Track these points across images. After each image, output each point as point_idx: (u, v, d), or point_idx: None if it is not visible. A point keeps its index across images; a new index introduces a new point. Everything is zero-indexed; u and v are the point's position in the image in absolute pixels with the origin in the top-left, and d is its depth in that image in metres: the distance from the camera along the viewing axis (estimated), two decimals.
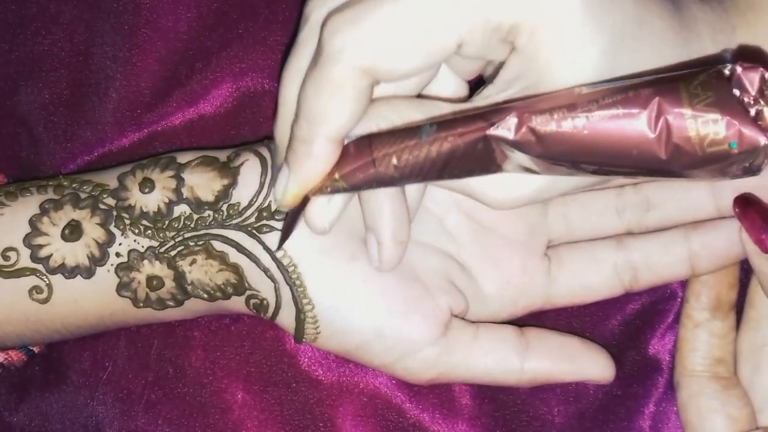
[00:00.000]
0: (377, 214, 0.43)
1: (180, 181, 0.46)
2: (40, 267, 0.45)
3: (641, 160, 0.36)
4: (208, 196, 0.46)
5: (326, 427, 0.51)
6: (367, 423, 0.51)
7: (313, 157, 0.39)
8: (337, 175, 0.40)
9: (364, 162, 0.39)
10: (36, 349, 0.51)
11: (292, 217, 0.42)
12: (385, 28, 0.36)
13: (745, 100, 0.34)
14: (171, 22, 0.51)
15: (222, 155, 0.47)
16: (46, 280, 0.46)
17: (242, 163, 0.46)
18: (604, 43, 0.37)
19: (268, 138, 0.48)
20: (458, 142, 0.37)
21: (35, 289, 0.46)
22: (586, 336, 0.52)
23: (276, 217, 0.45)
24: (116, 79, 0.51)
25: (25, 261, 0.45)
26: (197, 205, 0.46)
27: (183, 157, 0.47)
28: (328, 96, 0.38)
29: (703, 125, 0.34)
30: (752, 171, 0.35)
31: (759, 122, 0.34)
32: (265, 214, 0.45)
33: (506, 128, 0.37)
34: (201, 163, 0.46)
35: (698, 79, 0.35)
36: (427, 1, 0.36)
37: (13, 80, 0.52)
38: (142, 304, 0.46)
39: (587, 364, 0.49)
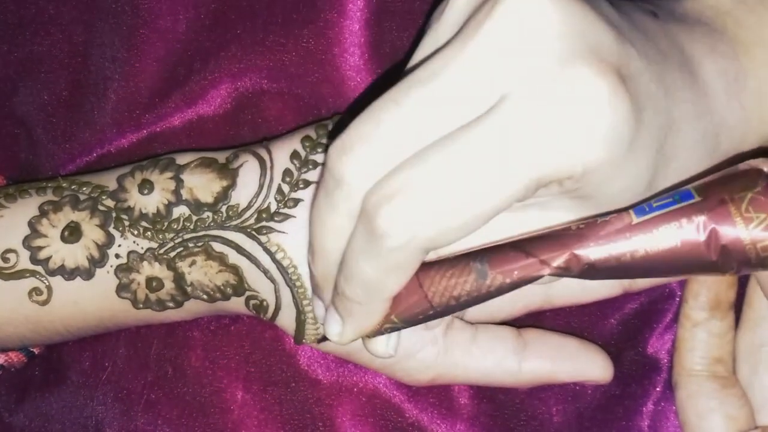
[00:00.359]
0: None
1: (179, 182, 0.46)
2: (39, 269, 0.45)
3: (701, 273, 0.38)
4: (207, 197, 0.46)
5: (325, 426, 0.51)
6: (366, 423, 0.51)
7: (368, 314, 0.40)
8: (393, 317, 0.40)
9: (417, 299, 0.40)
10: (36, 350, 0.52)
11: None
12: (442, 210, 0.35)
13: None
14: (170, 23, 0.51)
15: (221, 156, 0.47)
16: (45, 281, 0.46)
17: (241, 165, 0.46)
18: (645, 163, 0.37)
19: (267, 139, 0.48)
20: (515, 280, 0.38)
21: (35, 291, 0.46)
22: (584, 336, 0.52)
23: (276, 219, 0.45)
24: (115, 79, 0.51)
25: (24, 263, 0.45)
26: (196, 206, 0.46)
27: (182, 159, 0.47)
28: (386, 272, 0.37)
29: (758, 235, 0.36)
30: None
31: None
32: (264, 215, 0.45)
33: (562, 268, 0.38)
34: (200, 165, 0.46)
35: (747, 198, 0.36)
36: (476, 173, 0.34)
37: (12, 81, 0.52)
38: (141, 306, 0.46)
39: (586, 364, 0.49)
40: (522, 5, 0.34)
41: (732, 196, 0.37)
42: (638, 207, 0.38)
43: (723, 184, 0.37)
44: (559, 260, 0.38)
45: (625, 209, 0.38)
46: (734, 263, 0.37)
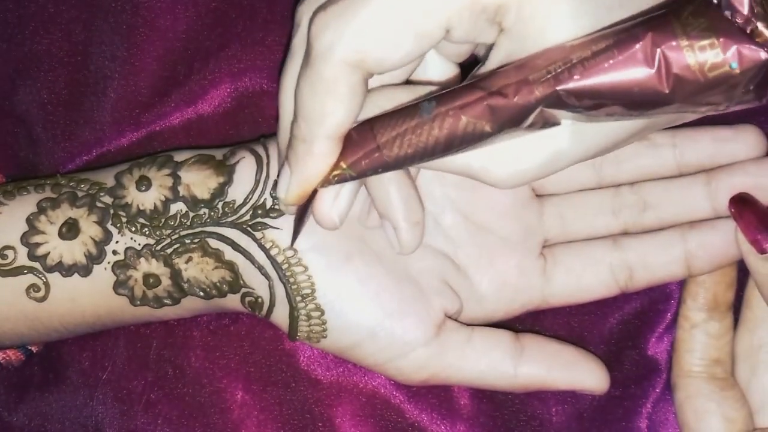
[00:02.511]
0: (387, 200, 0.43)
1: (176, 179, 0.46)
2: (37, 265, 0.46)
3: (645, 97, 0.35)
4: (204, 193, 0.46)
5: (325, 426, 0.51)
6: (366, 423, 0.51)
7: (314, 156, 0.39)
8: (343, 164, 0.39)
9: (369, 148, 0.39)
10: (34, 349, 0.52)
11: (300, 213, 0.42)
12: (371, 19, 0.36)
13: (738, 21, 0.34)
14: (169, 22, 0.51)
15: (218, 153, 0.47)
16: (43, 278, 0.46)
17: (238, 161, 0.46)
18: (591, 12, 0.36)
19: (265, 136, 0.48)
20: (460, 115, 0.37)
21: (33, 288, 0.46)
22: (584, 336, 0.52)
23: (271, 215, 0.45)
24: (114, 78, 0.51)
25: (22, 259, 0.46)
26: (193, 203, 0.46)
27: (180, 156, 0.47)
28: (322, 94, 0.37)
29: (701, 52, 0.34)
30: (758, 95, 0.35)
31: (756, 39, 0.34)
32: (260, 211, 0.45)
33: (506, 96, 0.36)
34: (197, 162, 0.46)
35: (688, 10, 0.35)
36: None
37: (11, 80, 0.52)
38: (139, 302, 0.46)
39: (582, 373, 0.48)
40: None
41: (675, 8, 0.35)
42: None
43: (668, 5, 0.36)
44: (504, 89, 0.36)
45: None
46: (674, 73, 0.34)
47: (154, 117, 0.51)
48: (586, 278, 0.48)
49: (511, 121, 0.37)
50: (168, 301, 0.47)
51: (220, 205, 0.46)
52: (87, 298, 0.46)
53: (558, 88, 0.36)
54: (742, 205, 0.45)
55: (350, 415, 0.51)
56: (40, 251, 0.46)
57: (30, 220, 0.46)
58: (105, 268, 0.46)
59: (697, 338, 0.48)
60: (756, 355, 0.48)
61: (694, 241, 0.47)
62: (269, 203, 0.46)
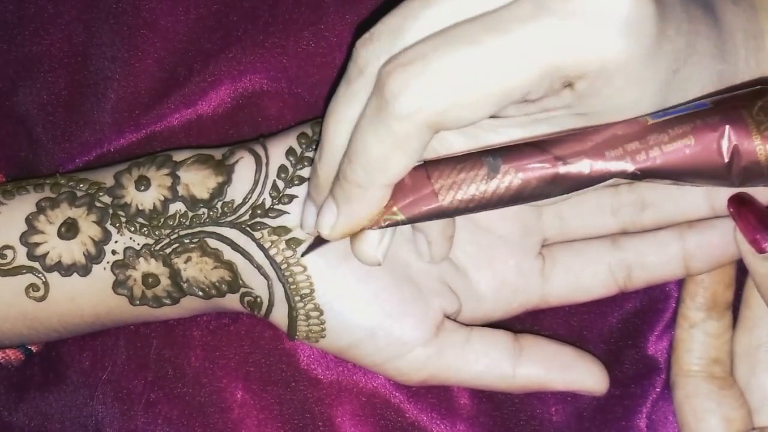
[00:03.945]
0: None
1: (175, 178, 0.46)
2: (36, 265, 0.46)
3: (709, 180, 0.38)
4: (203, 193, 0.46)
5: (325, 426, 0.51)
6: (366, 422, 0.51)
7: (367, 202, 0.38)
8: (396, 210, 0.39)
9: (424, 194, 0.38)
10: (34, 349, 0.52)
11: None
12: (455, 84, 0.35)
13: None
14: (170, 24, 0.51)
15: (217, 153, 0.47)
16: (42, 278, 0.46)
17: (237, 161, 0.46)
18: (661, 79, 0.37)
19: (264, 136, 0.48)
20: (529, 178, 0.37)
21: (32, 287, 0.46)
22: (584, 335, 0.52)
23: (270, 215, 0.45)
24: (115, 79, 0.51)
25: (21, 259, 0.46)
26: (192, 202, 0.46)
27: (179, 156, 0.47)
28: (390, 148, 0.36)
29: None
30: None
31: None
32: (258, 211, 0.45)
33: (579, 167, 0.37)
34: (196, 161, 0.47)
35: (757, 105, 0.37)
36: (494, 51, 0.34)
37: (12, 80, 0.52)
38: (138, 302, 0.46)
39: (581, 374, 0.48)
40: None
41: (744, 102, 0.37)
42: (654, 114, 0.38)
43: (735, 96, 0.38)
44: (576, 158, 0.37)
45: (641, 117, 0.38)
46: (742, 166, 0.37)
47: (154, 118, 0.51)
48: (585, 278, 0.49)
49: (581, 187, 0.38)
50: (167, 301, 0.47)
51: (219, 205, 0.46)
52: (86, 298, 0.46)
53: (636, 167, 0.37)
54: (740, 204, 0.45)
55: (350, 415, 0.51)
56: (40, 251, 0.46)
57: (29, 220, 0.46)
58: (104, 268, 0.46)
59: (696, 337, 0.48)
60: (755, 355, 0.48)
61: (693, 241, 0.47)
62: (268, 203, 0.46)
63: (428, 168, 0.39)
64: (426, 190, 0.38)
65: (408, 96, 0.35)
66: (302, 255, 0.45)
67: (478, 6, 0.35)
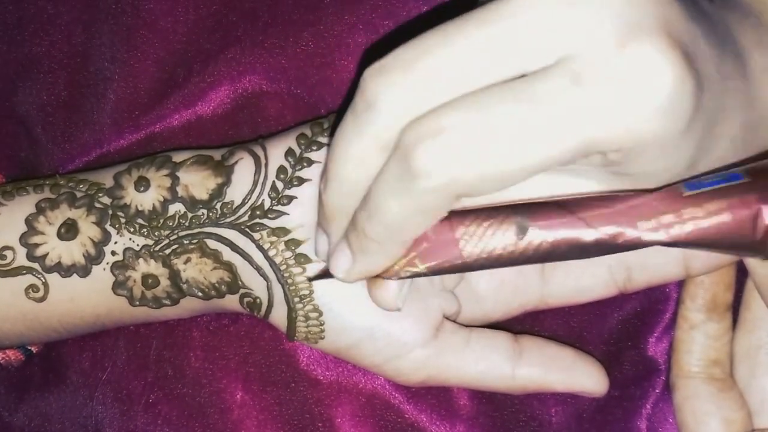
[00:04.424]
0: None
1: (175, 179, 0.46)
2: (36, 266, 0.46)
3: (739, 252, 0.39)
4: (202, 194, 0.46)
5: (325, 426, 0.51)
6: (365, 423, 0.51)
7: (385, 255, 0.38)
8: (417, 262, 0.38)
9: (447, 247, 0.37)
10: (34, 349, 0.52)
11: None
12: (486, 157, 0.33)
13: None
14: (169, 24, 0.51)
15: (217, 154, 0.47)
16: (42, 278, 0.46)
17: (236, 162, 0.46)
18: (695, 146, 0.36)
19: (263, 137, 0.48)
20: (559, 242, 0.37)
21: (32, 288, 0.46)
22: (584, 335, 0.52)
23: (269, 216, 0.45)
24: (114, 80, 0.51)
25: (21, 260, 0.46)
26: (192, 203, 0.46)
27: (178, 156, 0.47)
28: (413, 213, 0.35)
29: None
30: None
31: None
32: (258, 212, 0.45)
33: (611, 236, 0.37)
34: (196, 162, 0.47)
35: None
36: (529, 125, 0.33)
37: (11, 81, 0.52)
38: (138, 303, 0.47)
39: (580, 375, 0.48)
40: None
41: None
42: (689, 183, 0.37)
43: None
44: (607, 226, 0.37)
45: (674, 184, 0.37)
46: None
47: (154, 119, 0.51)
48: (584, 279, 0.48)
49: (609, 253, 0.37)
50: (167, 302, 0.47)
51: (218, 206, 0.46)
52: (86, 299, 0.46)
53: (670, 240, 0.37)
54: None
55: (350, 416, 0.51)
56: (39, 252, 0.46)
57: (29, 221, 0.46)
58: (104, 269, 0.46)
59: (696, 339, 0.48)
60: (755, 356, 0.48)
61: None
62: (267, 204, 0.46)
63: (452, 219, 0.37)
64: (450, 243, 0.37)
65: (437, 172, 0.33)
66: (311, 280, 0.45)
67: (502, 53, 0.34)
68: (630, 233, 0.37)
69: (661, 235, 0.37)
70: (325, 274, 0.41)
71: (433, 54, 0.34)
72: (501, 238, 0.37)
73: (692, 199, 0.37)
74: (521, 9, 0.33)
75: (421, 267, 0.38)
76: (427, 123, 0.34)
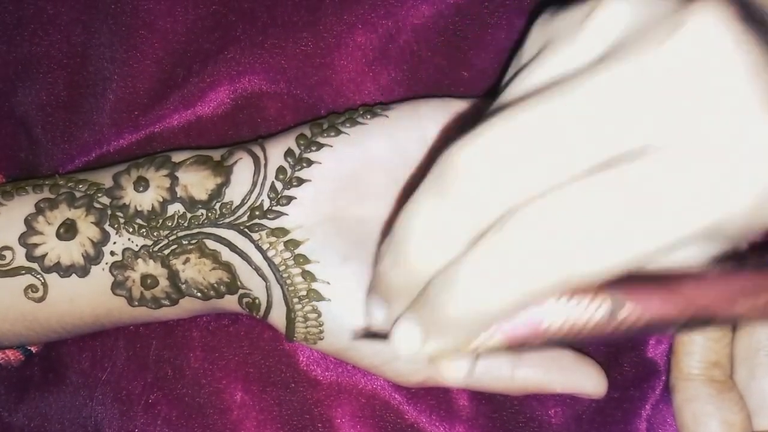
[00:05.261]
0: None
1: (174, 179, 0.46)
2: (35, 266, 0.46)
3: None
4: (201, 194, 0.46)
5: (325, 427, 0.51)
6: (365, 423, 0.51)
7: (464, 336, 0.34)
8: (497, 336, 0.34)
9: (532, 322, 0.33)
10: (34, 349, 0.52)
11: None
12: (596, 254, 0.31)
13: None
14: (168, 24, 0.51)
15: (216, 154, 0.47)
16: (41, 279, 0.46)
17: (236, 162, 0.46)
18: None
19: (263, 137, 0.48)
20: (655, 320, 0.34)
21: (31, 288, 0.46)
22: None
23: (268, 216, 0.46)
24: (113, 80, 0.51)
25: (20, 260, 0.46)
26: (191, 203, 0.46)
27: (177, 156, 0.47)
28: (513, 306, 0.32)
29: None
30: None
31: None
32: (257, 213, 0.46)
33: (709, 315, 0.34)
34: (195, 162, 0.47)
35: None
36: (649, 209, 0.31)
37: (11, 81, 0.52)
38: (137, 303, 0.47)
39: (579, 377, 0.48)
40: (707, 29, 0.31)
41: None
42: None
43: None
44: (709, 308, 0.34)
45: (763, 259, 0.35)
46: None
47: (153, 119, 0.51)
48: None
49: (702, 326, 0.36)
50: (166, 302, 0.47)
51: (217, 206, 0.46)
52: (85, 299, 0.46)
53: (759, 317, 0.35)
54: None
55: (350, 416, 0.51)
56: (38, 252, 0.46)
57: (28, 221, 0.46)
58: (103, 269, 0.46)
59: (696, 341, 0.48)
60: (754, 358, 0.48)
61: None
62: (266, 204, 0.46)
63: None
64: (535, 317, 0.33)
65: (549, 269, 0.31)
66: (357, 338, 0.45)
67: (607, 133, 0.31)
68: (727, 313, 0.34)
69: (753, 313, 0.34)
70: (373, 334, 0.40)
71: (531, 138, 0.31)
72: (592, 313, 0.34)
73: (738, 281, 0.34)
74: (618, 91, 0.31)
75: (501, 343, 0.34)
76: (533, 212, 0.31)
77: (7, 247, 0.46)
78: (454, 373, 0.38)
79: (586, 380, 0.48)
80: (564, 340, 0.34)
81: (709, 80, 0.31)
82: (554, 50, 0.34)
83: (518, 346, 0.34)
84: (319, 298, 0.45)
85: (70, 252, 0.46)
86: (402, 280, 0.35)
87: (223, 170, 0.46)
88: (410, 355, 0.35)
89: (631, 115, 0.31)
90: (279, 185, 0.46)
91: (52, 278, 0.46)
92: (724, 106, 0.31)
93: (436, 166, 0.33)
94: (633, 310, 0.33)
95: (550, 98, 0.32)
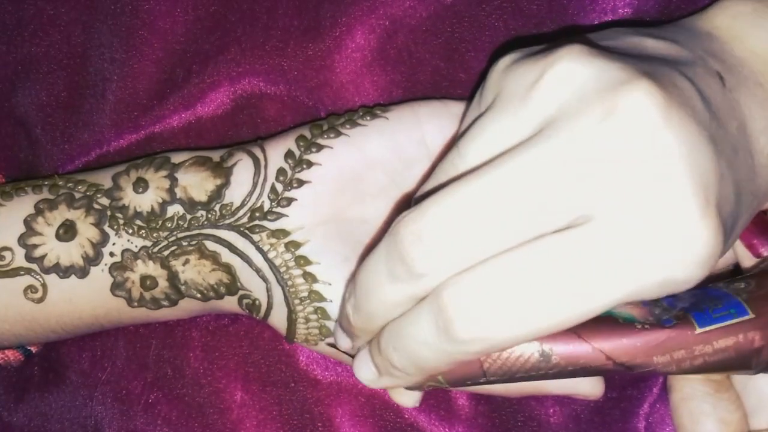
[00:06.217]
0: None
1: (173, 181, 0.46)
2: (34, 267, 0.46)
3: (734, 372, 0.43)
4: (201, 196, 0.46)
5: (324, 426, 0.51)
6: (365, 423, 0.51)
7: (409, 380, 0.40)
8: (440, 378, 0.40)
9: (471, 367, 0.39)
10: (34, 349, 0.52)
11: None
12: (526, 321, 0.35)
13: None
14: (168, 25, 0.51)
15: (215, 155, 0.47)
16: (40, 279, 0.46)
17: (235, 163, 0.46)
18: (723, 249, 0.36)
19: (262, 138, 0.48)
20: (577, 368, 0.39)
21: (30, 289, 0.46)
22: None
23: (268, 218, 0.46)
24: (113, 81, 0.51)
25: (20, 261, 0.46)
26: (190, 205, 0.46)
27: (177, 157, 0.47)
28: (446, 362, 0.37)
29: None
30: None
31: None
32: (257, 214, 0.46)
33: (626, 366, 0.39)
34: (194, 163, 0.47)
35: None
36: (571, 288, 0.34)
37: (11, 82, 0.52)
38: (136, 304, 0.47)
39: (577, 379, 0.48)
40: (635, 106, 0.34)
41: None
42: (699, 314, 0.40)
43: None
44: (625, 359, 0.39)
45: (685, 316, 0.40)
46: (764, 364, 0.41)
47: (153, 119, 0.51)
48: None
49: (623, 375, 0.41)
50: (165, 303, 0.47)
51: (217, 208, 0.46)
52: (84, 300, 0.47)
53: (679, 372, 0.40)
54: None
55: (349, 415, 0.51)
56: (38, 252, 0.46)
57: (27, 222, 0.46)
58: (102, 270, 0.46)
59: None
60: None
61: None
62: (267, 206, 0.46)
63: None
64: (474, 364, 0.39)
65: (477, 338, 0.35)
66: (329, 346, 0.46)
67: (537, 211, 0.34)
68: (645, 366, 0.39)
69: (672, 368, 0.40)
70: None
71: (461, 217, 0.35)
72: (524, 363, 0.39)
73: (703, 337, 0.40)
74: (551, 164, 0.34)
75: (443, 382, 0.40)
76: (465, 289, 0.35)
77: (6, 248, 0.46)
78: (407, 401, 0.45)
79: (583, 382, 0.48)
80: (500, 381, 0.40)
81: (631, 165, 0.33)
82: (501, 113, 0.37)
83: (458, 385, 0.40)
84: (321, 299, 0.45)
85: (70, 253, 0.46)
86: (361, 324, 0.40)
87: (222, 171, 0.46)
88: (370, 385, 0.41)
89: (561, 193, 0.34)
90: (279, 186, 0.46)
91: (52, 279, 0.46)
92: (643, 190, 0.33)
93: (388, 235, 0.36)
94: (560, 359, 0.39)
95: (487, 175, 0.34)
